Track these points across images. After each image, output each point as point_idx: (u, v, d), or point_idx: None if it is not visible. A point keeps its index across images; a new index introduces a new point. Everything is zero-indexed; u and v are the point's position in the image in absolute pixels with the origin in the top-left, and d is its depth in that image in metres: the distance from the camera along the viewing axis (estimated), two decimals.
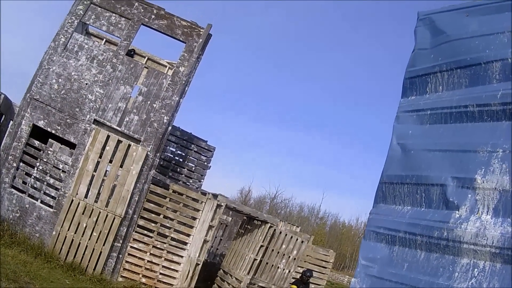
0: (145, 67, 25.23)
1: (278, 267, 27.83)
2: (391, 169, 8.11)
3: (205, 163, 32.23)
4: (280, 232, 27.95)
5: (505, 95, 6.80)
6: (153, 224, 24.65)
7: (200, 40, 25.00)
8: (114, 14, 24.79)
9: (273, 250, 27.68)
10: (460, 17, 7.96)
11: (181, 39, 25.17)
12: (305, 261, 29.43)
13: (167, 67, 28.51)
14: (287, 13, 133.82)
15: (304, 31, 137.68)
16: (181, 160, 31.75)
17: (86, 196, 23.07)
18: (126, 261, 24.05)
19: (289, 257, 28.00)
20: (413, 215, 7.45)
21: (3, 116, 30.27)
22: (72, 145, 24.00)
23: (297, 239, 28.31)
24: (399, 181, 7.84)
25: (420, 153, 7.72)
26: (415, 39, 8.68)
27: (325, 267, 30.36)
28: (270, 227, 26.99)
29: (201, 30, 25.10)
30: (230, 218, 33.90)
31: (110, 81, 24.20)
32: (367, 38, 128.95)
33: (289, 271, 28.02)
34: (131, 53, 26.25)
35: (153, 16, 24.95)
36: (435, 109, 7.76)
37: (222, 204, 25.01)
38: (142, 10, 24.97)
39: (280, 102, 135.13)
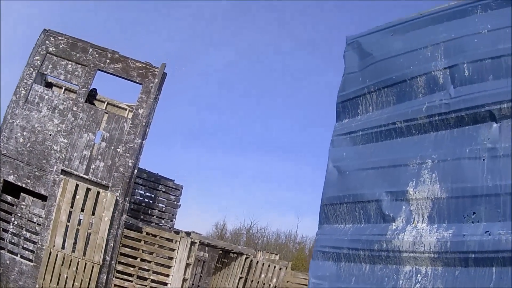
0: (105, 112, 25.41)
1: None
2: (330, 192, 8.33)
3: (175, 202, 32.17)
4: (257, 262, 28.16)
5: (430, 107, 7.11)
6: (131, 268, 24.75)
7: (156, 80, 25.31)
8: (70, 62, 25.07)
9: (252, 280, 27.91)
10: (385, 37, 8.25)
11: (137, 80, 25.54)
12: None
13: (127, 110, 28.75)
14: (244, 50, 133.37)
15: (264, 62, 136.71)
16: (150, 201, 31.76)
17: (63, 247, 23.13)
18: None
19: (269, 285, 28.20)
20: (354, 231, 7.71)
21: None
22: (43, 197, 24.03)
23: (275, 267, 28.53)
24: (338, 201, 8.08)
25: (355, 173, 7.97)
26: (344, 63, 8.90)
27: None
28: (246, 258, 27.23)
29: (156, 70, 25.40)
30: (207, 254, 34.03)
31: (73, 129, 24.39)
32: (328, 63, 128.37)
33: None
34: (92, 93, 26.46)
35: (108, 60, 25.24)
36: (366, 129, 8.02)
37: (196, 241, 25.20)
38: (97, 55, 25.26)
39: (243, 132, 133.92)
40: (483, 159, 6.35)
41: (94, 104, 26.83)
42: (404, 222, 7.03)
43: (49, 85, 27.80)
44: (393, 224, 7.16)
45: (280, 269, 28.94)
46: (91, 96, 26.51)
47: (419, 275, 6.65)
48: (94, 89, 27.12)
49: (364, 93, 8.30)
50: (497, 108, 6.35)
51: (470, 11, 7.09)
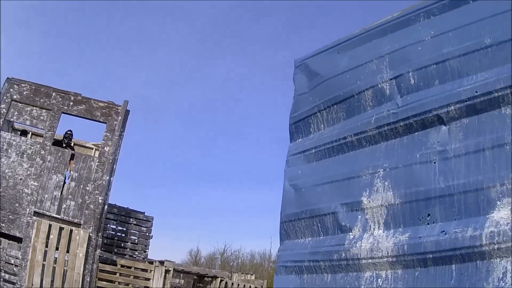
0: (72, 153, 25.28)
1: None
2: (288, 209, 8.34)
3: (147, 233, 31.99)
4: (232, 284, 28.12)
5: (379, 118, 7.15)
6: None
7: (119, 117, 25.31)
8: (35, 108, 24.92)
9: None
10: (332, 56, 8.28)
11: (101, 120, 25.47)
12: None
13: (94, 149, 28.79)
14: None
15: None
16: (123, 235, 31.57)
17: (41, 286, 22.83)
18: None
19: None
20: (313, 244, 7.71)
21: None
22: (19, 239, 23.79)
23: (250, 287, 28.52)
24: (296, 217, 8.10)
25: (311, 189, 8.00)
26: (294, 85, 8.95)
27: None
28: (221, 280, 27.18)
29: (118, 108, 25.45)
30: (183, 281, 33.92)
31: (42, 172, 24.28)
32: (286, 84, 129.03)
33: None
34: (67, 135, 26.55)
35: (71, 103, 25.21)
36: (319, 146, 8.06)
37: (170, 268, 25.15)
38: (60, 99, 25.20)
39: (209, 160, 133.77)
40: (434, 162, 6.38)
41: (71, 146, 26.91)
42: (361, 231, 7.04)
43: (15, 131, 27.75)
44: (350, 233, 7.16)
45: None
46: (67, 139, 26.48)
47: (379, 279, 6.66)
48: (70, 131, 27.06)
49: (315, 112, 8.31)
50: (445, 111, 6.39)
51: (414, 20, 7.13)
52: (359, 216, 7.13)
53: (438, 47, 6.70)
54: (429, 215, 6.35)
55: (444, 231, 6.05)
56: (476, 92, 6.11)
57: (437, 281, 6.04)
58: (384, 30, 7.61)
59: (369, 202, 7.01)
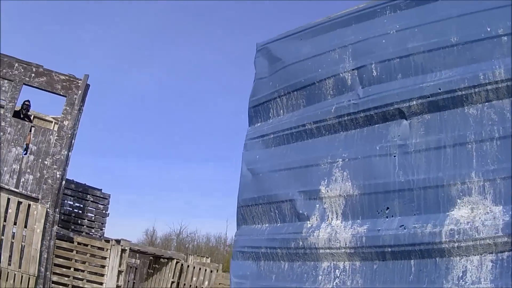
0: (31, 126, 24.92)
1: None
2: (245, 194, 8.27)
3: (103, 211, 31.90)
4: (188, 266, 28.12)
5: (339, 108, 7.10)
6: (66, 278, 24.49)
7: (80, 91, 25.03)
8: None
9: (184, 284, 27.90)
10: (294, 42, 8.20)
11: (61, 93, 25.17)
12: None
13: (53, 123, 28.48)
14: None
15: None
16: (80, 211, 31.35)
17: None
18: None
19: None
20: (271, 231, 7.67)
21: None
22: None
23: (206, 270, 28.54)
24: (254, 203, 8.04)
25: (268, 174, 7.95)
26: (255, 69, 8.88)
27: None
28: (177, 262, 27.18)
29: (79, 82, 25.18)
30: (139, 261, 33.87)
31: (2, 144, 23.86)
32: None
33: None
34: (25, 106, 26.10)
35: (33, 75, 24.84)
36: (277, 132, 8.00)
37: (126, 248, 25.07)
38: (23, 70, 24.82)
39: (165, 137, 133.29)
40: (394, 156, 6.38)
41: (29, 117, 26.42)
42: (319, 220, 7.00)
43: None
44: (308, 222, 7.13)
45: (211, 271, 28.97)
46: (25, 109, 26.03)
47: (337, 270, 6.64)
48: (28, 101, 26.50)
49: (275, 97, 8.24)
50: (407, 106, 6.38)
51: (379, 13, 7.10)
52: (317, 205, 7.09)
53: (402, 42, 6.70)
54: (388, 208, 6.35)
55: (403, 225, 6.05)
56: (440, 89, 6.12)
57: (396, 275, 6.05)
58: (349, 20, 7.54)
59: (327, 191, 6.97)
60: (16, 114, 25.49)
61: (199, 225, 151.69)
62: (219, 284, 29.76)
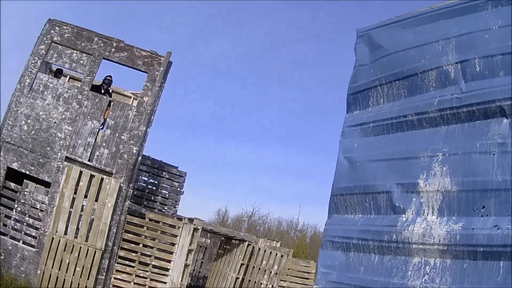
0: (110, 100, 25.30)
1: (261, 283, 28.05)
2: (340, 182, 8.34)
3: (178, 189, 31.90)
4: (259, 249, 28.19)
5: (442, 101, 7.11)
6: (133, 254, 24.54)
7: (161, 68, 25.04)
8: (75, 51, 24.64)
9: (254, 267, 27.94)
10: (396, 31, 8.23)
11: (142, 69, 25.20)
12: (287, 275, 29.46)
13: (132, 98, 28.72)
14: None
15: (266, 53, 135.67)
16: (154, 188, 31.41)
17: (65, 233, 22.91)
18: None
19: (271, 272, 28.29)
20: (364, 222, 7.75)
21: None
22: (47, 184, 23.85)
23: (276, 254, 28.57)
24: (349, 192, 8.11)
25: (366, 164, 8.00)
26: (355, 55, 8.89)
27: (308, 278, 30.18)
28: (248, 244, 27.25)
29: (161, 58, 25.14)
30: (209, 240, 34.13)
31: (78, 117, 24.14)
32: (326, 54, 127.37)
33: (272, 286, 28.27)
34: (106, 81, 26.29)
35: (113, 49, 24.96)
36: (377, 121, 8.06)
37: (199, 227, 25.11)
38: (102, 44, 25.00)
39: (248, 120, 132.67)
40: (493, 154, 6.36)
41: (109, 93, 26.88)
42: (414, 214, 7.04)
43: (53, 74, 27.54)
44: (403, 215, 7.17)
45: (282, 256, 28.96)
46: (106, 84, 26.40)
47: (427, 267, 6.68)
48: (109, 76, 26.72)
49: (375, 85, 8.29)
50: (508, 104, 6.34)
51: (481, 7, 7.08)
52: (414, 199, 7.12)
53: (505, 38, 6.61)
54: (483, 207, 6.34)
55: (497, 225, 6.03)
56: None
57: (485, 276, 6.05)
58: (452, 13, 7.55)
59: (426, 185, 6.98)
60: (97, 89, 25.62)
61: (272, 208, 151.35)
62: (288, 269, 29.72)
